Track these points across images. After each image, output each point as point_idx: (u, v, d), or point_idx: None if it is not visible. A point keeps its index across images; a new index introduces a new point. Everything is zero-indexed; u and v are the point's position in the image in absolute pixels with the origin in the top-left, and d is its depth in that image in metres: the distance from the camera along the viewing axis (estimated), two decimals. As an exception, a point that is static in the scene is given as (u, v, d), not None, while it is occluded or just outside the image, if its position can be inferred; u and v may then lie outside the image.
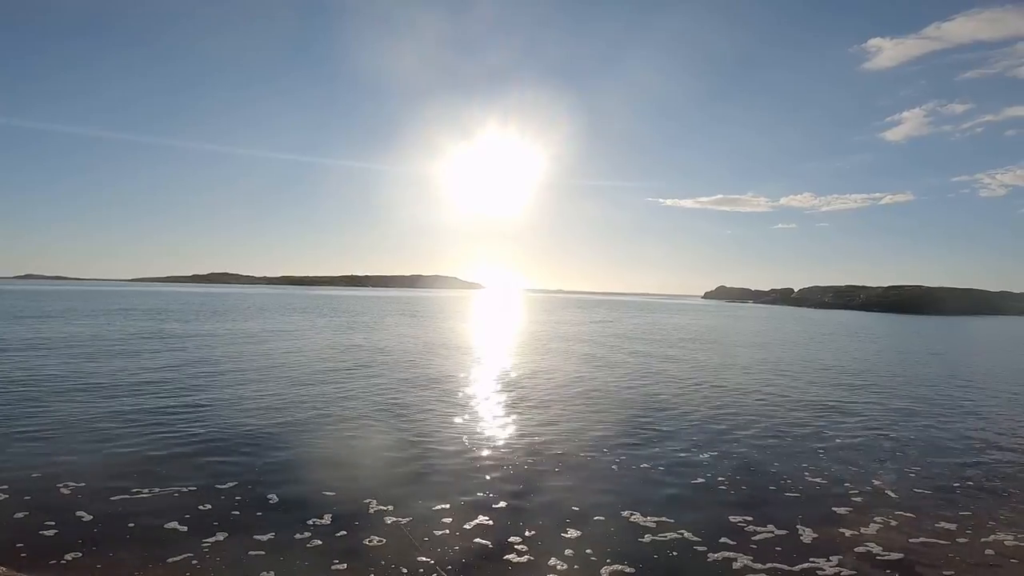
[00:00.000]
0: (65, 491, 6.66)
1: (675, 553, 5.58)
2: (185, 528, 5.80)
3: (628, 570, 5.23)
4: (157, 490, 6.76)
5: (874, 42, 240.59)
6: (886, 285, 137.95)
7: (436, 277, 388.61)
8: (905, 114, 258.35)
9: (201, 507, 6.31)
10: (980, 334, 47.78)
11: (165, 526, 5.82)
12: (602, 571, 5.21)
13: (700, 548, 5.67)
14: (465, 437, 9.61)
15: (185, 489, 6.80)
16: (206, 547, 5.42)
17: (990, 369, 21.49)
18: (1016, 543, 5.81)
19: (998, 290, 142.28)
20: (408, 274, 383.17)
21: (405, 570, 5.13)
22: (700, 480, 7.70)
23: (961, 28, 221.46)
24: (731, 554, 5.54)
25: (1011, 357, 26.88)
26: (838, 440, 9.93)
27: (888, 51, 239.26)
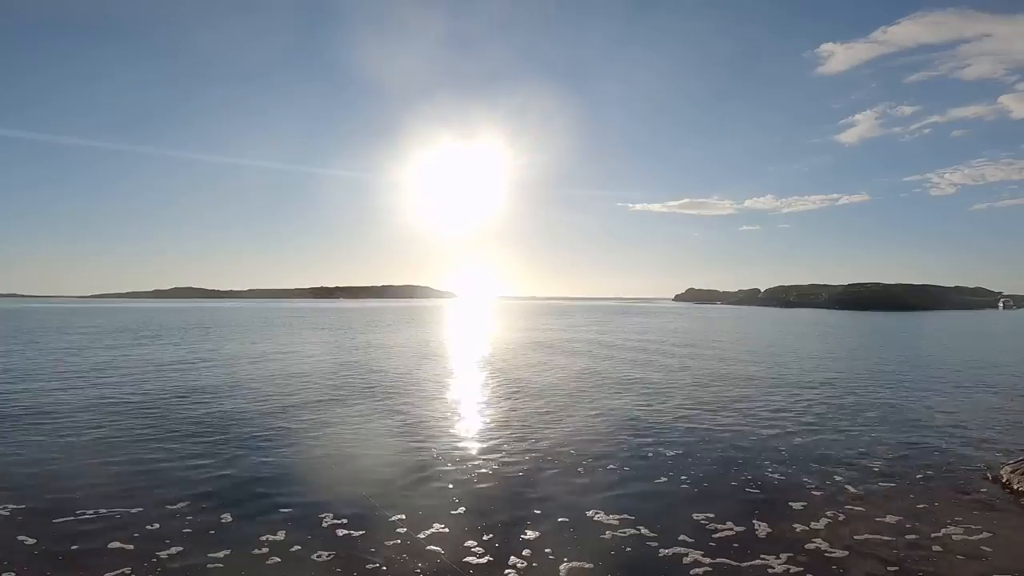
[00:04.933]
0: (5, 513, 6.40)
1: (630, 550, 5.62)
2: (131, 547, 5.62)
3: (587, 566, 5.25)
4: (103, 511, 6.52)
5: (826, 47, 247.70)
6: (847, 283, 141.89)
7: (408, 287, 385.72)
8: (858, 116, 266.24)
9: (150, 527, 6.11)
10: (933, 328, 49.33)
11: (109, 546, 5.63)
12: (561, 568, 5.21)
13: (655, 544, 5.71)
14: (432, 445, 9.52)
15: (133, 510, 6.57)
16: (154, 566, 5.25)
17: (942, 362, 22.14)
18: (963, 537, 5.89)
19: (952, 285, 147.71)
20: (379, 284, 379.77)
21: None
22: (663, 479, 7.74)
23: (906, 32, 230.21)
24: (686, 550, 5.58)
25: (962, 350, 27.76)
26: (800, 438, 10.03)
27: (839, 55, 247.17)
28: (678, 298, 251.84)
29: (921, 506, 6.76)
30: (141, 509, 6.56)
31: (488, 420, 11.43)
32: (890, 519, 6.35)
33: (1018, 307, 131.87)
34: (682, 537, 5.88)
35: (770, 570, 5.23)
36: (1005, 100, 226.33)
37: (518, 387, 15.50)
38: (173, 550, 5.57)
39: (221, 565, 5.31)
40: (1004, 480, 7.53)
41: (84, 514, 6.41)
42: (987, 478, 7.75)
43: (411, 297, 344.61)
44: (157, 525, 6.14)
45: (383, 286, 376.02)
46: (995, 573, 5.16)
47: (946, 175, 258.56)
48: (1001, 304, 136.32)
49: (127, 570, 5.18)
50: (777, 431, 10.45)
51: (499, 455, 8.82)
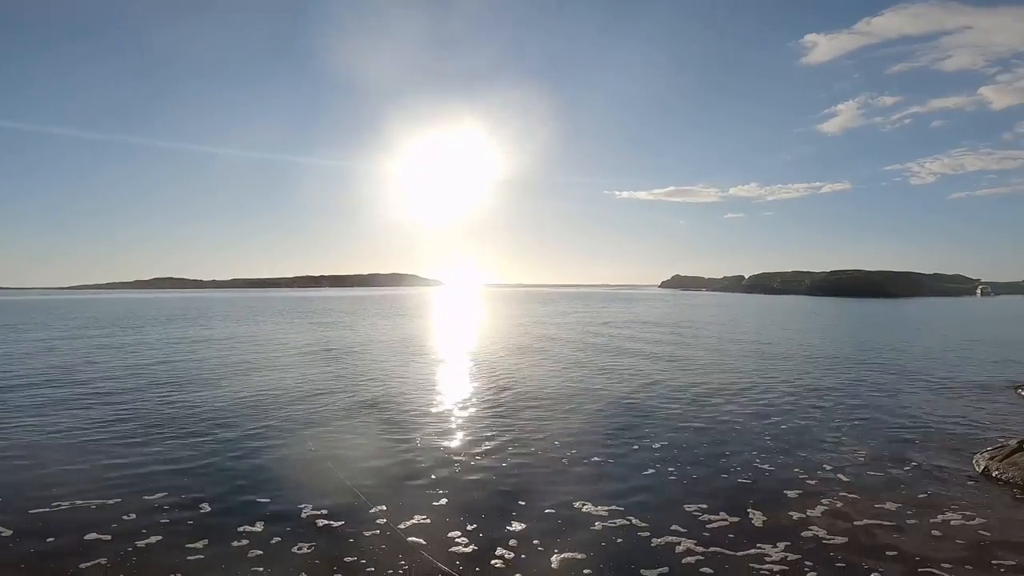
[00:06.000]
0: (-22, 506, 6.22)
1: (621, 540, 5.54)
2: (108, 538, 5.49)
3: (578, 556, 5.18)
4: (80, 503, 6.36)
5: (810, 38, 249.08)
6: (829, 270, 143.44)
7: (394, 275, 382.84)
8: (840, 106, 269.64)
9: (127, 518, 5.96)
10: (913, 316, 49.93)
11: (85, 537, 5.49)
12: (551, 560, 5.14)
13: (647, 535, 5.63)
14: (414, 437, 9.42)
15: (110, 502, 6.41)
16: (130, 556, 5.12)
17: (923, 349, 22.35)
18: (961, 522, 5.87)
19: (932, 272, 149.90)
20: (365, 273, 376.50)
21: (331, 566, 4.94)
22: (651, 470, 7.63)
23: (889, 23, 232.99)
24: (679, 540, 5.51)
25: (945, 336, 28.03)
26: (786, 426, 9.97)
27: (823, 46, 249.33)
28: (664, 285, 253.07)
29: (912, 494, 6.71)
30: (119, 500, 6.41)
31: (471, 412, 11.33)
32: (890, 506, 6.31)
33: (996, 294, 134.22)
34: (674, 527, 5.79)
35: (768, 559, 5.16)
36: (985, 91, 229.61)
37: (501, 378, 15.43)
38: (152, 539, 5.47)
39: (201, 556, 5.19)
40: (982, 468, 7.57)
41: (60, 506, 6.25)
42: (968, 465, 7.77)
43: (397, 285, 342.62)
44: (134, 516, 5.99)
45: (369, 274, 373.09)
46: (989, 559, 5.14)
47: (926, 164, 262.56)
48: (979, 291, 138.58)
49: (103, 560, 5.07)
50: (763, 420, 10.41)
51: (483, 447, 8.70)
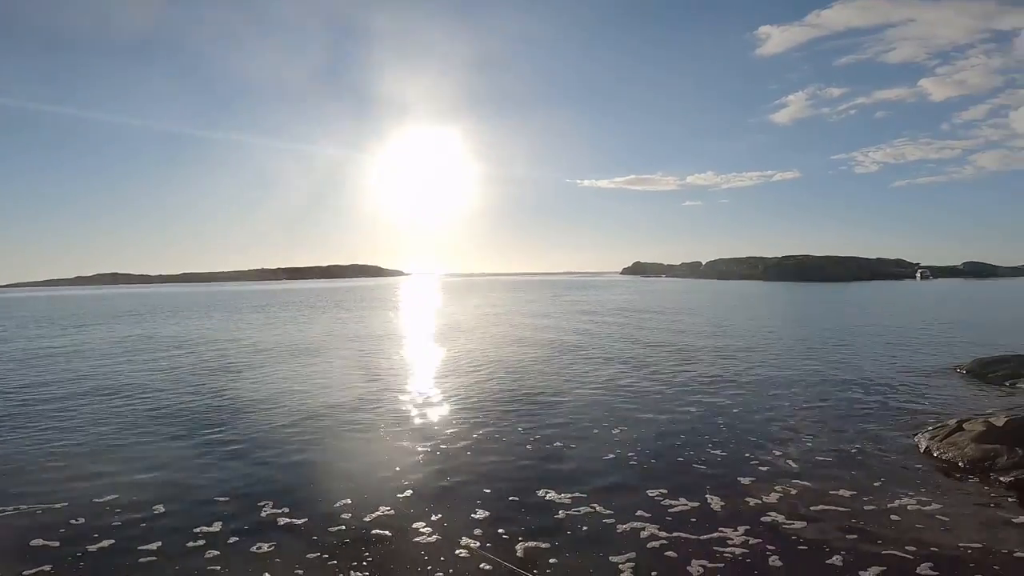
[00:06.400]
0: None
1: (586, 528, 5.59)
2: (56, 544, 5.27)
3: (543, 545, 5.21)
4: (24, 508, 6.07)
5: (764, 29, 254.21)
6: (781, 255, 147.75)
7: (355, 266, 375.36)
8: (791, 97, 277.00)
9: (75, 522, 5.73)
10: (860, 298, 51.75)
11: (31, 543, 5.27)
12: (516, 547, 5.16)
13: (611, 521, 5.69)
14: (375, 428, 9.32)
15: (56, 506, 6.14)
16: (78, 561, 4.93)
17: (871, 331, 23.03)
18: (916, 507, 6.01)
19: (875, 257, 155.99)
20: (324, 264, 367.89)
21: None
22: (611, 456, 7.69)
23: (838, 15, 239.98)
24: (643, 525, 5.58)
25: (888, 318, 29.03)
26: (735, 411, 10.10)
27: (776, 38, 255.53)
28: (625, 271, 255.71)
29: (859, 475, 6.87)
30: (66, 505, 6.14)
31: (430, 400, 11.28)
32: (843, 492, 6.40)
33: (934, 277, 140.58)
34: (638, 513, 5.86)
35: (729, 542, 5.25)
36: (925, 83, 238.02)
37: (464, 368, 15.38)
38: (103, 544, 5.26)
39: (154, 558, 5.02)
40: (924, 448, 7.86)
41: (4, 511, 5.97)
42: (911, 446, 8.01)
43: (358, 276, 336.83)
44: (82, 520, 5.75)
45: (328, 266, 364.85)
46: (947, 538, 5.31)
47: (870, 154, 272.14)
48: (919, 275, 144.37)
49: (47, 567, 4.86)
50: (713, 405, 10.53)
51: (445, 438, 8.62)
